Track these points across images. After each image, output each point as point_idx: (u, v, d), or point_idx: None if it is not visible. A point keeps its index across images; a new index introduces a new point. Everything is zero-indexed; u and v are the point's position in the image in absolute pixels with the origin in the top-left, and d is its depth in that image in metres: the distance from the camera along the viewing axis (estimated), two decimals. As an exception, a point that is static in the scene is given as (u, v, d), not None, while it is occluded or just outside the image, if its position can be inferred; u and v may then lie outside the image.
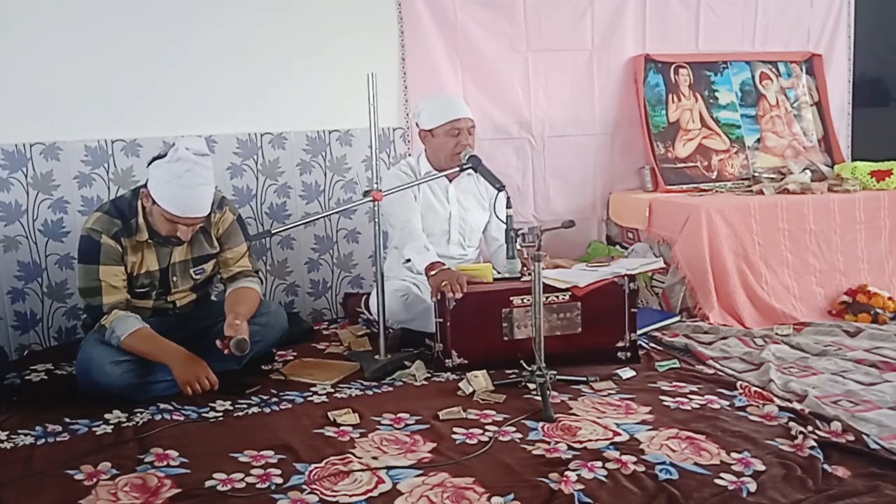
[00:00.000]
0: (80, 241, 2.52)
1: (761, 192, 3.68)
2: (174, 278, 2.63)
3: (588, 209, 4.02)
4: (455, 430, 2.19)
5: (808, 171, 3.94)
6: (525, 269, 2.65)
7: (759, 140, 4.15)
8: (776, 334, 3.12)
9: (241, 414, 2.36)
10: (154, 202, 2.43)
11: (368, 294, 3.26)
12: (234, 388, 2.51)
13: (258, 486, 1.89)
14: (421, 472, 1.94)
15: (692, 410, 2.32)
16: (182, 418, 2.32)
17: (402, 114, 3.61)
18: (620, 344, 2.78)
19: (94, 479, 1.92)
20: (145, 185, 2.46)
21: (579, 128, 3.93)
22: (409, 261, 2.94)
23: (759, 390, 2.45)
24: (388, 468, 1.96)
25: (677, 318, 3.30)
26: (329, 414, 2.31)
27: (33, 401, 2.49)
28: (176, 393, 2.46)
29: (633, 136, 4.00)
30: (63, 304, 3.13)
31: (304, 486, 1.87)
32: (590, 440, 2.11)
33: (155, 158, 2.46)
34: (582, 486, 1.84)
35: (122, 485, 1.90)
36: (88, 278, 2.48)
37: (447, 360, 2.70)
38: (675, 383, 2.55)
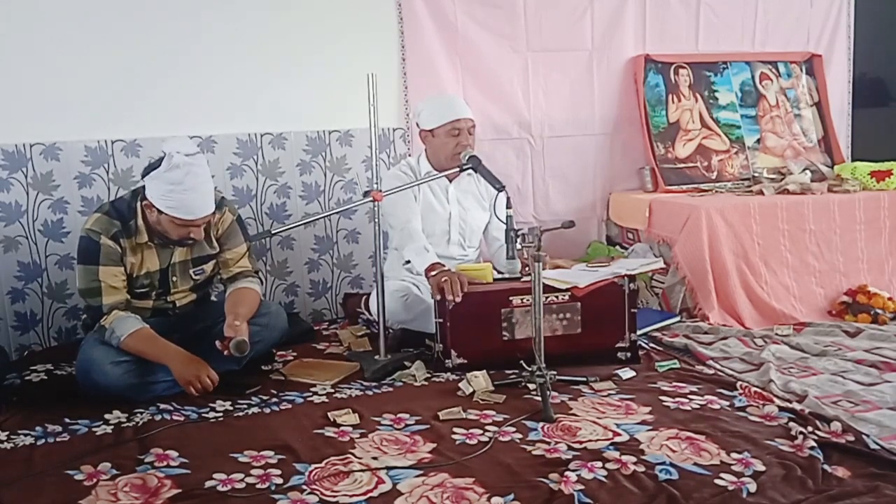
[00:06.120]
0: (79, 242, 2.52)
1: (761, 193, 3.68)
2: (174, 279, 2.63)
3: (588, 209, 4.02)
4: (455, 430, 2.19)
5: (808, 172, 3.94)
6: (525, 269, 2.65)
7: (759, 140, 4.15)
8: (776, 334, 3.12)
9: (241, 414, 2.36)
10: (161, 212, 2.42)
11: (368, 294, 3.26)
12: (234, 389, 2.51)
13: (258, 486, 1.89)
14: (421, 472, 1.94)
15: (692, 411, 2.32)
16: (182, 418, 2.32)
17: (402, 114, 3.61)
18: (620, 344, 2.78)
19: (94, 480, 1.92)
20: (144, 195, 2.46)
21: (579, 128, 3.93)
22: (408, 262, 2.94)
23: (759, 390, 2.45)
24: (388, 468, 1.96)
25: (677, 319, 3.30)
26: (329, 414, 2.31)
27: (33, 401, 2.49)
28: (176, 393, 2.46)
29: (633, 137, 4.00)
30: (63, 304, 3.13)
31: (304, 487, 1.87)
32: (590, 440, 2.11)
33: (148, 169, 2.44)
34: (582, 487, 1.84)
35: (122, 485, 1.90)
36: (88, 279, 2.48)
37: (447, 361, 2.70)
38: (675, 383, 2.55)
